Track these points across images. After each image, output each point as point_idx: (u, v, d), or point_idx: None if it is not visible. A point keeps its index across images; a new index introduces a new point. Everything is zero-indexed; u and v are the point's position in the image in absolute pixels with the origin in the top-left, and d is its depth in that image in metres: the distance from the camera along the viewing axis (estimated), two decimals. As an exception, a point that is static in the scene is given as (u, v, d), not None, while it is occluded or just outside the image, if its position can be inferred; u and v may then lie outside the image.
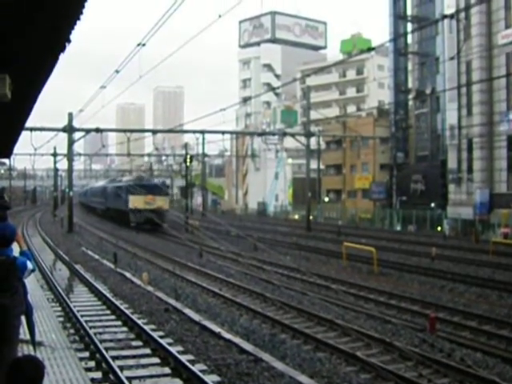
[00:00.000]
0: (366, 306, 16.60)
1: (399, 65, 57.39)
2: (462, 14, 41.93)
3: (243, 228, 42.53)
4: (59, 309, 14.65)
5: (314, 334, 13.27)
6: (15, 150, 20.03)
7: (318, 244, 35.06)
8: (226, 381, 9.53)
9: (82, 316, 13.31)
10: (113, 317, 14.18)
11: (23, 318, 5.29)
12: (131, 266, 24.36)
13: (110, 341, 11.78)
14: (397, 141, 56.70)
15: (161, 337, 11.78)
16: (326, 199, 67.13)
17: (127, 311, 14.16)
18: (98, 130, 42.10)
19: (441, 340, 12.79)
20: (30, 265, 5.23)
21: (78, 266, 22.59)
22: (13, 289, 4.94)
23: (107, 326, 13.07)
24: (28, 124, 16.20)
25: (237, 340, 11.97)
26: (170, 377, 9.65)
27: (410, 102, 56.49)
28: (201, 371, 9.49)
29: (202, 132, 55.04)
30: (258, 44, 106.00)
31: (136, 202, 46.67)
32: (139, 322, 13.00)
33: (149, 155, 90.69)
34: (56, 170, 66.52)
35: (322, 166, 64.99)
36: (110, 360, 9.85)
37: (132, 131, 50.34)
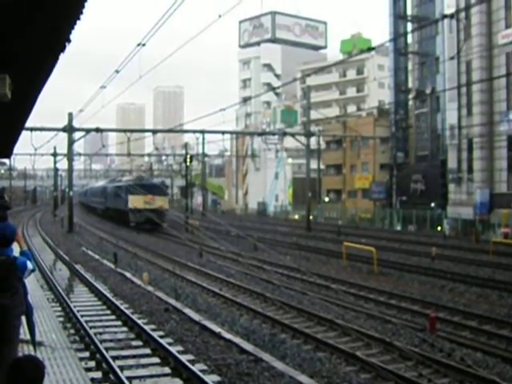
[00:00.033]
0: (366, 305, 16.60)
1: (399, 64, 57.39)
2: (462, 14, 41.92)
3: (243, 228, 42.52)
4: (59, 309, 14.65)
5: (314, 333, 13.27)
6: (15, 150, 20.03)
7: (318, 244, 35.06)
8: (226, 381, 9.54)
9: (82, 316, 13.31)
10: (113, 317, 14.19)
11: (23, 318, 5.29)
12: (131, 265, 24.37)
13: (110, 341, 11.78)
14: (397, 141, 56.70)
15: (161, 337, 11.78)
16: (326, 199, 67.13)
17: (127, 311, 14.16)
18: (98, 130, 42.09)
19: (441, 340, 12.79)
20: (30, 265, 5.23)
21: (78, 266, 22.59)
22: (13, 289, 4.94)
23: (107, 326, 13.08)
24: (28, 124, 16.21)
25: (237, 340, 11.97)
26: (170, 377, 9.65)
27: (410, 102, 56.49)
28: (201, 371, 9.50)
29: (202, 132, 55.03)
30: (258, 44, 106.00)
31: (135, 201, 46.74)
32: (139, 321, 13.00)
33: (149, 155, 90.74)
34: (56, 169, 66.53)
35: (322, 166, 64.99)
36: (110, 360, 9.86)
37: (132, 131, 50.33)
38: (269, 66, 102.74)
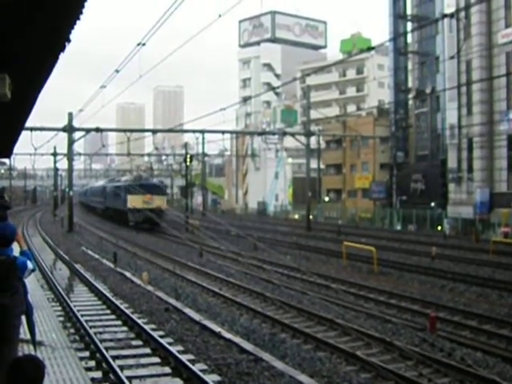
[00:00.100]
0: (366, 305, 16.61)
1: (399, 64, 57.38)
2: (462, 13, 41.92)
3: (243, 227, 42.53)
4: (59, 308, 14.66)
5: (314, 333, 13.27)
6: (15, 150, 20.02)
7: (318, 243, 35.06)
8: (226, 380, 9.54)
9: (82, 315, 13.31)
10: (113, 316, 14.19)
11: (23, 318, 5.29)
12: (131, 265, 24.37)
13: (110, 340, 11.78)
14: (397, 140, 56.70)
15: (161, 336, 11.79)
16: (326, 199, 67.14)
17: (127, 311, 14.16)
18: (97, 130, 42.10)
19: (441, 339, 12.79)
20: (30, 264, 5.24)
21: (78, 266, 22.60)
22: (13, 288, 4.95)
23: (107, 326, 13.08)
24: (28, 124, 16.21)
25: (237, 339, 11.98)
26: (171, 376, 9.65)
27: (410, 102, 56.49)
28: (201, 371, 9.50)
29: (202, 131, 55.05)
30: (257, 43, 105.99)
31: (134, 201, 46.90)
32: (139, 321, 13.00)
33: (149, 155, 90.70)
34: (56, 169, 66.55)
35: (322, 166, 65.00)
36: (110, 359, 9.86)
37: (132, 131, 50.34)
38: (269, 66, 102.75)
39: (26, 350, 7.71)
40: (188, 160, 51.80)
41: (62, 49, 6.32)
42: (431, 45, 52.12)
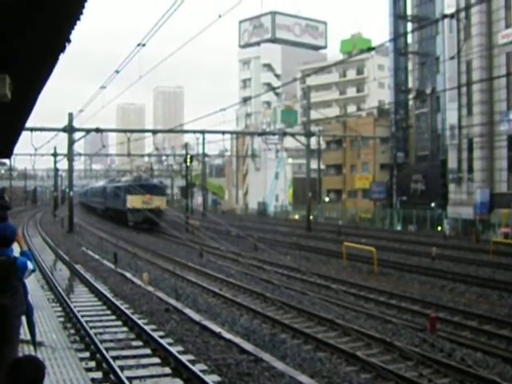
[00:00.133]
0: (366, 305, 16.60)
1: (399, 64, 57.39)
2: (463, 14, 41.91)
3: (243, 228, 42.53)
4: (59, 309, 14.65)
5: (314, 333, 13.27)
6: (15, 151, 20.02)
7: (318, 244, 35.06)
8: (226, 381, 9.54)
9: (82, 316, 13.31)
10: (113, 317, 14.19)
11: (24, 319, 5.29)
12: (131, 266, 24.37)
13: (111, 341, 11.78)
14: (397, 141, 56.71)
15: (161, 337, 11.78)
16: (327, 199, 67.14)
17: (127, 311, 14.16)
18: (98, 130, 42.12)
19: (441, 340, 12.79)
20: (30, 265, 5.23)
21: (78, 266, 22.59)
22: (13, 289, 4.94)
23: (107, 326, 13.07)
24: (28, 124, 16.21)
25: (237, 340, 11.97)
26: (171, 377, 9.65)
27: (411, 102, 56.49)
28: (201, 371, 9.50)
29: (202, 132, 55.03)
30: (258, 44, 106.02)
31: (134, 201, 47.04)
32: (139, 322, 13.00)
33: (149, 155, 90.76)
34: (56, 170, 66.57)
35: (322, 166, 65.00)
36: (111, 360, 9.86)
37: (132, 131, 50.35)
38: (269, 66, 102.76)
39: (26, 350, 7.71)
40: (188, 160, 51.82)
41: (63, 49, 6.32)
42: (431, 45, 52.13)
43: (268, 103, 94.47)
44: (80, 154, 73.47)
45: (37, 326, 7.49)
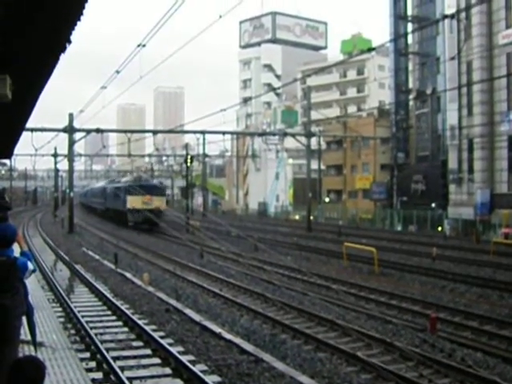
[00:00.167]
0: (366, 306, 16.60)
1: (400, 65, 57.38)
2: (463, 14, 41.88)
3: (244, 228, 42.53)
4: (60, 309, 14.65)
5: (314, 334, 13.27)
6: (16, 151, 20.06)
7: (318, 244, 35.04)
8: (226, 381, 9.54)
9: (82, 316, 13.31)
10: (113, 317, 14.19)
11: (24, 319, 5.29)
12: (132, 266, 24.38)
13: (111, 341, 11.78)
14: (397, 141, 56.69)
15: (161, 337, 11.78)
16: (327, 199, 67.14)
17: (128, 312, 14.16)
18: (98, 131, 42.13)
19: (441, 340, 12.79)
20: (30, 265, 5.23)
21: (78, 267, 22.60)
22: (13, 289, 4.94)
23: (108, 327, 13.07)
24: (29, 124, 16.23)
25: (237, 340, 11.97)
26: (171, 377, 9.65)
27: (411, 103, 56.47)
28: (201, 371, 9.50)
29: (203, 132, 55.02)
30: (258, 44, 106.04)
31: (134, 202, 47.17)
32: (140, 322, 13.00)
33: (149, 156, 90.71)
34: (57, 170, 66.56)
35: (322, 167, 64.99)
36: (111, 360, 9.86)
37: (132, 132, 50.38)
38: (269, 67, 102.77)
39: (26, 350, 7.70)
40: (189, 161, 51.82)
41: (63, 49, 6.33)
42: (432, 46, 52.12)
43: (268, 104, 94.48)
44: (80, 155, 73.56)
45: (37, 327, 7.49)
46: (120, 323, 13.52)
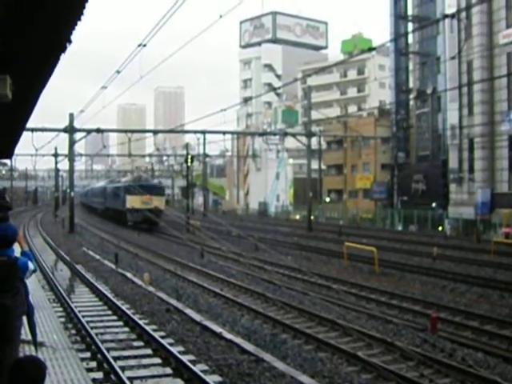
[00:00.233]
0: (367, 306, 16.60)
1: (400, 65, 57.36)
2: (463, 14, 41.89)
3: (244, 228, 42.54)
4: (60, 309, 14.65)
5: (315, 334, 13.27)
6: (16, 151, 20.07)
7: (319, 244, 35.04)
8: (227, 381, 9.54)
9: (83, 316, 13.31)
10: (114, 317, 14.19)
11: (25, 319, 5.29)
12: (132, 266, 24.38)
13: (112, 341, 11.78)
14: (398, 141, 56.68)
15: (162, 337, 11.78)
16: (327, 199, 67.12)
17: (128, 311, 14.16)
18: (98, 131, 42.15)
19: (442, 340, 12.79)
20: (31, 265, 5.23)
21: (79, 267, 22.61)
22: (14, 289, 4.94)
23: (108, 327, 13.07)
24: (29, 124, 16.23)
25: (238, 340, 11.97)
26: (172, 377, 9.65)
27: (411, 102, 56.46)
28: (202, 371, 9.50)
29: (203, 132, 55.01)
30: (258, 44, 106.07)
31: (133, 201, 47.34)
32: (140, 322, 13.00)
33: (150, 155, 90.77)
34: (57, 170, 66.58)
35: (323, 166, 64.98)
36: (112, 360, 9.86)
37: (133, 131, 50.39)
38: (270, 67, 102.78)
39: (27, 350, 7.70)
40: (189, 161, 51.87)
41: (63, 49, 6.33)
42: (432, 45, 52.10)
43: (269, 103, 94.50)
44: (81, 155, 73.55)
45: (38, 327, 7.50)
46: (121, 323, 13.52)
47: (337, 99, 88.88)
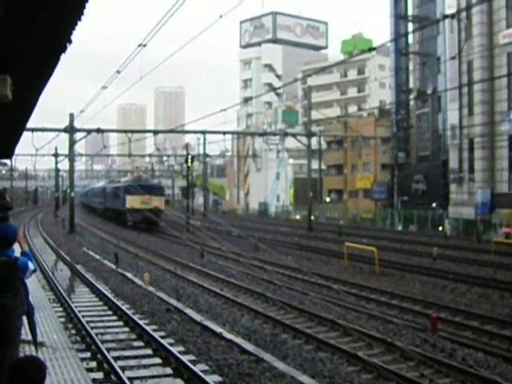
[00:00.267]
0: (367, 306, 16.60)
1: (400, 65, 57.36)
2: (463, 14, 41.90)
3: (244, 228, 42.54)
4: (60, 309, 14.65)
5: (315, 334, 13.26)
6: (16, 151, 20.08)
7: (319, 244, 35.04)
8: (227, 381, 9.53)
9: (83, 316, 13.31)
10: (114, 317, 14.19)
11: (25, 319, 5.29)
12: (132, 266, 24.37)
13: (112, 341, 11.78)
14: (398, 141, 56.67)
15: (162, 337, 11.78)
16: (328, 199, 67.12)
17: (129, 312, 14.16)
18: (99, 131, 42.15)
19: (442, 340, 12.78)
20: (31, 265, 5.23)
21: (79, 267, 22.61)
22: (14, 289, 4.94)
23: (109, 327, 13.07)
24: (29, 124, 16.23)
25: (238, 340, 11.97)
26: (172, 377, 9.65)
27: (412, 102, 56.46)
28: (202, 371, 9.50)
29: (203, 132, 55.01)
30: (259, 44, 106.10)
31: (133, 201, 47.42)
32: (141, 322, 13.00)
33: (150, 156, 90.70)
34: (57, 170, 66.59)
35: (323, 166, 65.00)
36: (112, 360, 9.86)
37: (133, 132, 50.41)
38: (270, 67, 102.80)
39: (27, 350, 7.70)
40: (189, 161, 51.88)
41: (63, 49, 6.32)
42: (432, 45, 52.11)
43: (269, 103, 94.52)
44: (81, 155, 73.52)
45: (38, 327, 7.49)
46: (121, 323, 13.52)
47: (337, 99, 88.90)
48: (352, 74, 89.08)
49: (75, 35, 5.94)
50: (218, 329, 12.92)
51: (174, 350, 10.68)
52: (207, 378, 9.14)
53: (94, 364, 10.08)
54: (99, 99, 30.25)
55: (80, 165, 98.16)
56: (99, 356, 10.37)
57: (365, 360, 11.06)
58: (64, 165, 61.16)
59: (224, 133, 52.75)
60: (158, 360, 10.54)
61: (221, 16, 17.74)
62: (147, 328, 12.35)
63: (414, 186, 51.58)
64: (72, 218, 43.03)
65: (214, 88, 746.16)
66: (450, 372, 10.56)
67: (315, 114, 58.83)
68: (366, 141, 59.24)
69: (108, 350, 10.70)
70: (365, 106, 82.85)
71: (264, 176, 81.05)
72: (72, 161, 44.22)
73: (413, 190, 51.68)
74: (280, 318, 14.82)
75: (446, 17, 29.41)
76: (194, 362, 10.12)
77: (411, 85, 57.27)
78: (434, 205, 47.26)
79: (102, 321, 13.68)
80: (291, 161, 79.64)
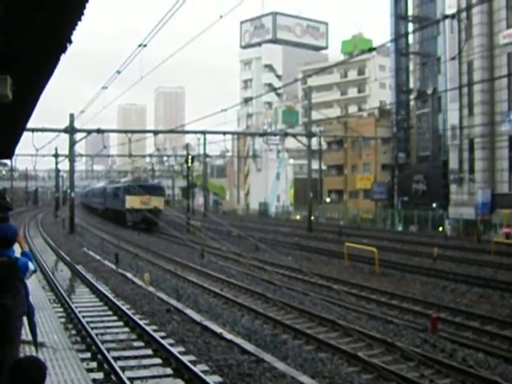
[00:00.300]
0: (367, 306, 16.59)
1: (400, 65, 57.35)
2: (464, 14, 41.89)
3: (245, 228, 42.53)
4: (61, 310, 14.65)
5: (315, 334, 13.26)
6: (17, 151, 20.07)
7: (319, 244, 35.03)
8: (227, 381, 9.53)
9: (83, 317, 13.31)
10: (114, 317, 14.19)
11: (25, 319, 5.28)
12: (132, 266, 24.38)
13: (112, 341, 11.78)
14: (398, 141, 56.67)
15: (162, 337, 11.78)
16: (328, 200, 67.12)
17: (129, 312, 14.16)
18: (99, 131, 42.15)
19: (443, 340, 12.78)
20: (31, 266, 5.23)
21: (79, 267, 22.60)
22: (14, 290, 4.93)
23: (109, 327, 13.07)
24: (29, 125, 16.23)
25: (238, 340, 11.97)
26: (172, 377, 9.65)
27: (412, 103, 56.45)
28: (202, 372, 9.50)
29: (204, 132, 55.00)
30: (259, 44, 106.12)
31: (133, 202, 47.52)
32: (141, 322, 13.00)
33: (150, 156, 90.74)
34: (57, 170, 66.59)
35: (323, 167, 64.99)
36: (112, 361, 9.86)
37: (133, 132, 50.40)
38: (270, 67, 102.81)
39: (27, 351, 7.69)
40: (189, 161, 51.89)
41: (63, 49, 6.32)
42: (432, 46, 52.11)
43: (269, 104, 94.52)
44: (81, 155, 73.47)
45: (38, 327, 7.49)
46: (121, 323, 13.52)
47: (337, 99, 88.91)
48: (352, 75, 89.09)
49: (75, 35, 5.94)
50: (218, 329, 12.92)
51: (175, 350, 10.68)
52: (207, 378, 9.13)
53: (94, 364, 10.08)
54: (99, 99, 30.24)
55: (80, 165, 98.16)
56: (99, 356, 10.37)
57: (365, 360, 11.05)
58: (64, 165, 61.23)
59: (224, 133, 52.74)
60: (158, 360, 10.54)
61: (221, 16, 17.75)
62: (147, 328, 12.35)
63: (415, 186, 51.58)
64: (72, 218, 43.05)
65: (214, 88, 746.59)
66: (450, 372, 10.56)
67: (315, 115, 58.84)
68: (367, 141, 59.23)
69: (108, 350, 10.70)
70: (365, 106, 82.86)
71: (264, 176, 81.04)
72: (72, 161, 44.24)
73: (413, 191, 51.67)
74: (280, 319, 14.82)
75: (446, 17, 29.38)
76: (194, 363, 10.12)
77: (411, 85, 57.26)
78: (434, 205, 47.25)
79: (102, 321, 13.68)
80: (291, 161, 79.64)
